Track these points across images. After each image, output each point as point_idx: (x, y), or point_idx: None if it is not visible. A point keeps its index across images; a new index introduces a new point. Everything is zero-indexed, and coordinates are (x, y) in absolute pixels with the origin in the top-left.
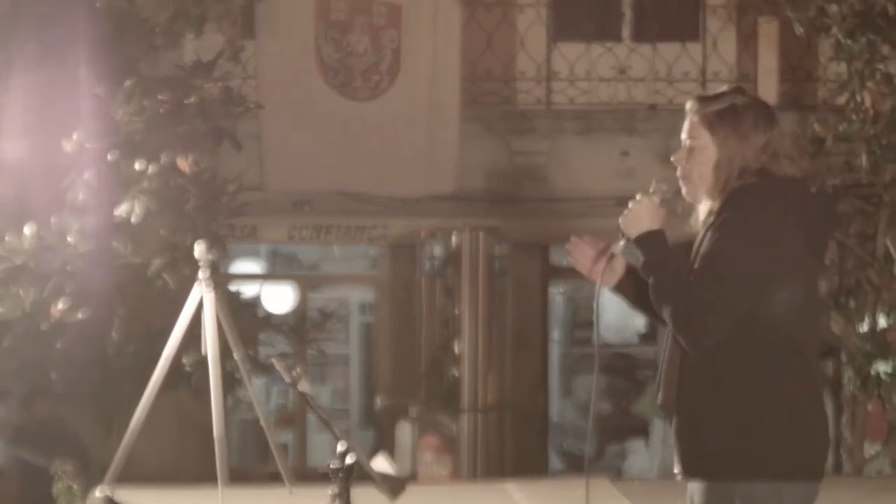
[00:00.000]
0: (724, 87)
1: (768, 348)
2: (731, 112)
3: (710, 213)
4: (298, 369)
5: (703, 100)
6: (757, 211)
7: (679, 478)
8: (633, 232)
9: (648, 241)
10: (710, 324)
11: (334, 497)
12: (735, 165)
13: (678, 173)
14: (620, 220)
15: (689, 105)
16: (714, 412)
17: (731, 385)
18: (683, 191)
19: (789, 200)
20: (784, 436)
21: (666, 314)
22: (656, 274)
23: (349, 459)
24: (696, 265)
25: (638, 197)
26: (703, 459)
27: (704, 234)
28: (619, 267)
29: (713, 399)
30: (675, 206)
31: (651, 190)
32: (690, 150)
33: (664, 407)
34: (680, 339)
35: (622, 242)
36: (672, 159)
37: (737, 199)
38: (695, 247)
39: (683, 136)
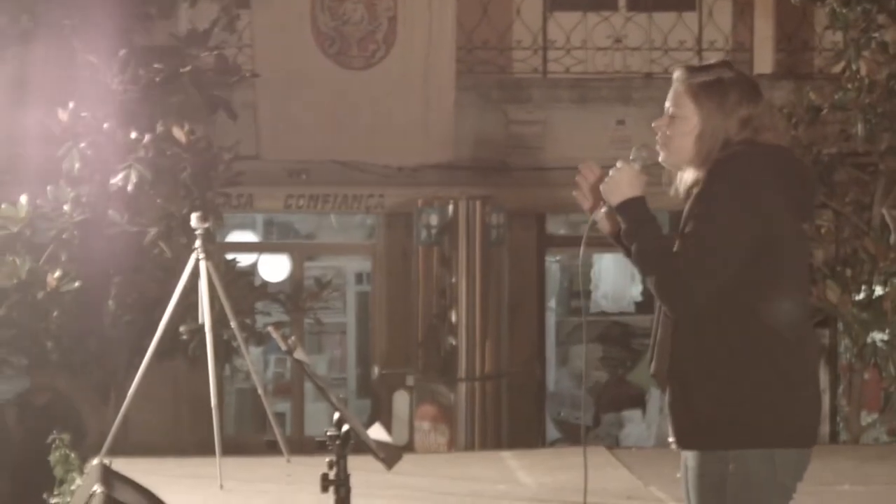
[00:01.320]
0: (712, 60)
1: (757, 315)
2: (718, 85)
3: (695, 182)
4: (293, 338)
5: (690, 70)
6: (743, 178)
7: (673, 447)
8: (615, 199)
9: (629, 208)
10: (693, 291)
11: (331, 465)
12: (717, 138)
13: (658, 139)
14: (601, 187)
15: (676, 74)
16: (706, 382)
17: (723, 354)
18: (661, 157)
19: (774, 167)
20: (776, 402)
21: (649, 280)
22: (638, 240)
23: (345, 427)
24: (683, 232)
25: (618, 164)
26: (697, 430)
27: (691, 203)
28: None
29: (705, 369)
30: (658, 173)
31: (631, 157)
32: (672, 117)
33: (657, 377)
34: (662, 303)
35: (603, 209)
36: (653, 125)
37: (722, 168)
38: (684, 215)
39: (667, 103)
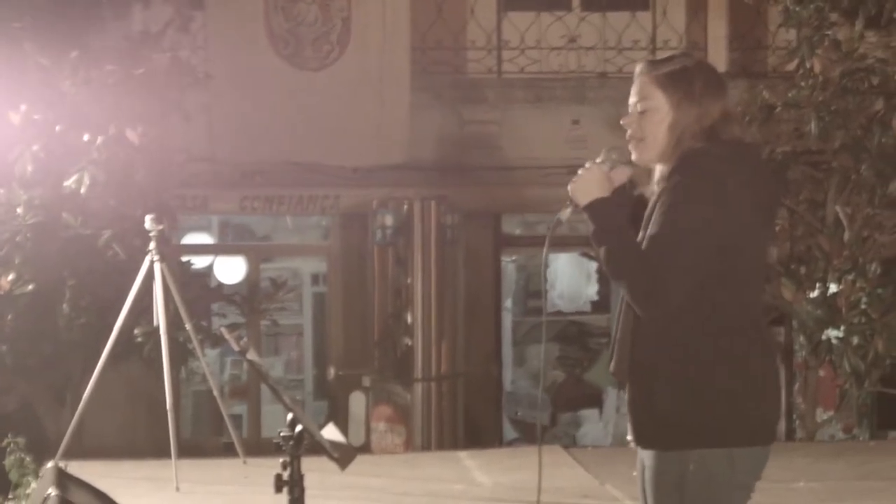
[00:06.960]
0: (671, 53)
1: (720, 312)
2: (683, 73)
3: (660, 178)
4: (245, 339)
5: (653, 63)
6: (709, 175)
7: (632, 445)
8: (583, 199)
9: (598, 209)
10: (668, 289)
11: (285, 465)
12: (690, 127)
13: (629, 135)
14: (570, 186)
15: (639, 68)
16: (667, 381)
17: (685, 352)
18: (633, 155)
19: (740, 164)
20: (739, 401)
21: (621, 282)
22: (608, 242)
23: (299, 427)
24: (649, 230)
25: (587, 165)
26: (657, 429)
27: (657, 200)
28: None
29: (666, 367)
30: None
31: (601, 158)
32: (643, 111)
33: (616, 375)
34: (635, 306)
35: (569, 209)
36: (622, 122)
37: (688, 163)
38: (647, 212)
39: (633, 99)
